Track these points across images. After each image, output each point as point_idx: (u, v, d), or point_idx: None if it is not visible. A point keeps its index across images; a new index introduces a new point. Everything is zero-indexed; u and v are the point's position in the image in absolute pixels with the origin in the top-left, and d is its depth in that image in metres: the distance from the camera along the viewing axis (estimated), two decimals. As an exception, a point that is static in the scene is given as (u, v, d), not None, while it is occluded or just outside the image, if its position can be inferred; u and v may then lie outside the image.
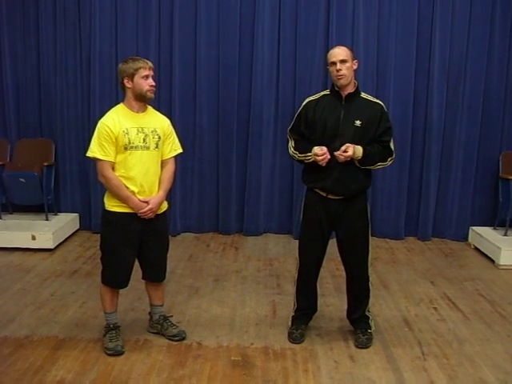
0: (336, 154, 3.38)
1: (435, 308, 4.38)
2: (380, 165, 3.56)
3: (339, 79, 3.45)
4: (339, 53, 3.46)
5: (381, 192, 6.20)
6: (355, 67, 3.52)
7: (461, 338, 3.86)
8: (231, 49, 6.02)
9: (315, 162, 3.47)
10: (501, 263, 5.32)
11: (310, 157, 3.50)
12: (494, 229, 5.96)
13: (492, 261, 5.49)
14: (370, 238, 3.68)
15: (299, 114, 3.65)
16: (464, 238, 6.19)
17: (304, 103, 3.66)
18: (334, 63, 3.44)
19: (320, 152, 3.40)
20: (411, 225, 6.31)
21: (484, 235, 5.77)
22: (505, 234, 5.73)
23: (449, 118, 6.04)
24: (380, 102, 3.58)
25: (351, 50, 3.56)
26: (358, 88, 3.56)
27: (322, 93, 3.66)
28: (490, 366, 3.47)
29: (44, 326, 3.91)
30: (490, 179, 6.18)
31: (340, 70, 3.42)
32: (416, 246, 6.09)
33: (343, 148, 3.37)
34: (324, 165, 3.43)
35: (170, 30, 6.02)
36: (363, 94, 3.59)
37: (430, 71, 5.94)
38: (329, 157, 3.40)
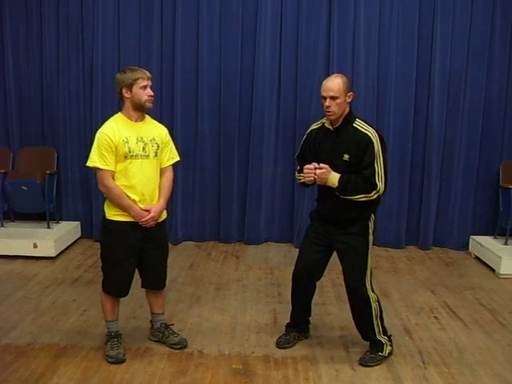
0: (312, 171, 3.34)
1: (436, 317, 4.38)
2: (363, 197, 3.35)
3: (328, 115, 3.38)
4: (331, 88, 3.32)
5: (382, 201, 6.19)
6: (349, 100, 3.38)
7: (461, 346, 3.86)
8: (233, 57, 6.06)
9: (305, 183, 3.50)
10: (501, 272, 5.32)
11: (301, 177, 3.54)
12: (495, 238, 5.96)
13: (492, 270, 5.49)
14: (370, 260, 3.56)
15: (303, 142, 3.64)
16: (464, 247, 6.19)
17: (307, 132, 3.64)
18: (325, 98, 3.34)
19: (306, 168, 3.40)
20: (412, 234, 6.31)
21: (484, 244, 5.78)
22: (505, 243, 5.72)
23: (449, 126, 6.06)
24: (369, 133, 3.34)
25: (347, 80, 3.40)
26: (349, 116, 3.41)
27: (322, 120, 3.57)
28: (490, 374, 3.48)
29: (45, 334, 3.92)
30: (490, 188, 6.18)
31: (329, 106, 3.32)
32: (416, 255, 6.09)
33: (319, 165, 3.32)
34: (308, 182, 3.42)
35: (172, 39, 6.06)
36: (356, 122, 3.40)
37: (431, 80, 5.97)
38: (312, 176, 3.37)
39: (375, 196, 3.37)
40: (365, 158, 3.32)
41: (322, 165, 3.32)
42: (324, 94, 3.35)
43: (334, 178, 3.33)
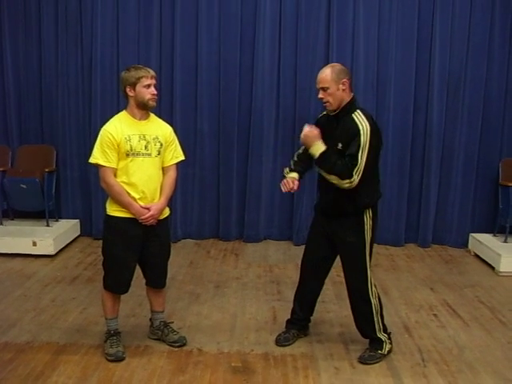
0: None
1: (435, 315, 4.38)
2: (335, 180, 3.29)
3: (325, 106, 3.39)
4: (319, 79, 3.35)
5: (381, 198, 6.16)
6: (344, 87, 3.31)
7: (461, 344, 3.86)
8: (232, 55, 6.05)
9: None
10: (501, 270, 5.32)
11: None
12: (494, 235, 5.96)
13: (492, 267, 5.49)
14: (368, 257, 3.52)
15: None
16: (464, 244, 6.19)
17: (317, 118, 3.65)
18: (318, 90, 3.37)
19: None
20: (411, 231, 6.31)
21: (484, 242, 5.78)
22: (505, 241, 5.73)
23: (449, 124, 6.05)
24: (360, 125, 3.26)
25: (340, 68, 3.35)
26: (349, 106, 3.35)
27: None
28: (489, 372, 3.48)
29: (45, 332, 3.92)
30: (489, 186, 6.18)
31: (322, 98, 3.35)
32: (416, 252, 6.09)
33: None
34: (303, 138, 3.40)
35: (171, 37, 6.05)
36: (356, 113, 3.32)
37: (430, 78, 5.97)
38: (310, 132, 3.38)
39: (346, 185, 3.28)
40: (349, 148, 3.26)
41: (314, 128, 3.36)
42: (316, 85, 3.40)
43: (318, 147, 3.32)
